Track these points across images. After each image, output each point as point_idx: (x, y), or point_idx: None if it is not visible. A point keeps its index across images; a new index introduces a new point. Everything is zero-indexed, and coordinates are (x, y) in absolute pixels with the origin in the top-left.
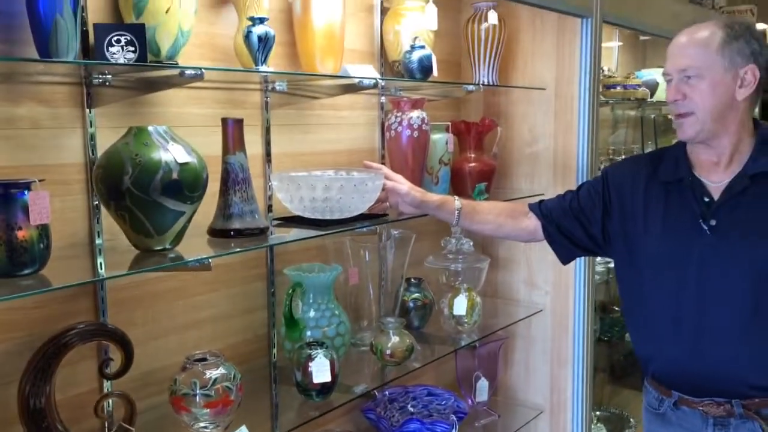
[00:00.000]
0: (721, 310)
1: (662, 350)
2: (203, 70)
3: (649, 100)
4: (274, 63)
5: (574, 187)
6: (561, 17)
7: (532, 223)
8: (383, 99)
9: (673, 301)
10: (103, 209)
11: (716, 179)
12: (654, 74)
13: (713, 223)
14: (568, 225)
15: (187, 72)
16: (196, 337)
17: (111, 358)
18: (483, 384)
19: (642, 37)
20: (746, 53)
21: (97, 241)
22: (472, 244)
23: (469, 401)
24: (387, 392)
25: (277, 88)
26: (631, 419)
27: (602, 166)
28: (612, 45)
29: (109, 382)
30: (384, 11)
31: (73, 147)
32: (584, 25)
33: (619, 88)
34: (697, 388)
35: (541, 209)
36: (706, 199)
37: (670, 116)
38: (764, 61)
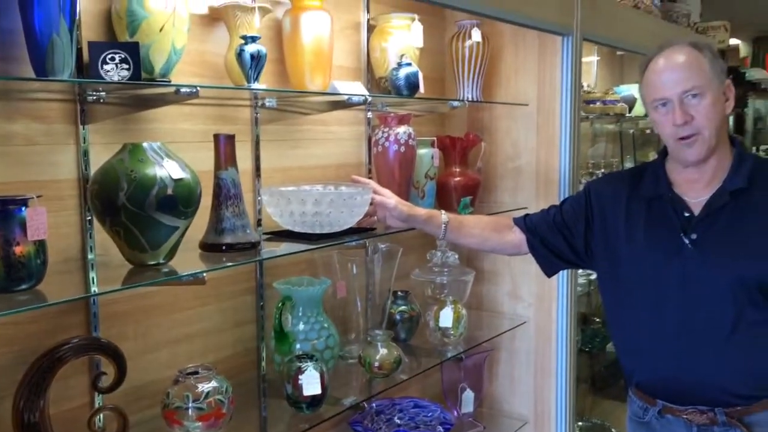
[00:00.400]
0: (704, 321)
1: (646, 361)
2: (198, 88)
3: (627, 115)
4: (263, 79)
5: (556, 201)
6: (542, 35)
7: (517, 236)
8: (370, 114)
9: (657, 313)
10: (96, 224)
11: (695, 196)
12: (632, 90)
13: (694, 236)
14: (552, 239)
15: (183, 90)
16: (186, 350)
17: (104, 372)
18: (468, 395)
19: (619, 52)
20: (724, 69)
21: (90, 256)
22: (457, 257)
23: (455, 413)
24: (374, 404)
25: (267, 104)
26: (613, 429)
27: (583, 180)
28: (591, 59)
29: (100, 396)
30: (371, 29)
31: (67, 163)
32: (565, 42)
33: (598, 104)
34: (681, 396)
35: (525, 223)
36: (687, 214)
37: (648, 131)
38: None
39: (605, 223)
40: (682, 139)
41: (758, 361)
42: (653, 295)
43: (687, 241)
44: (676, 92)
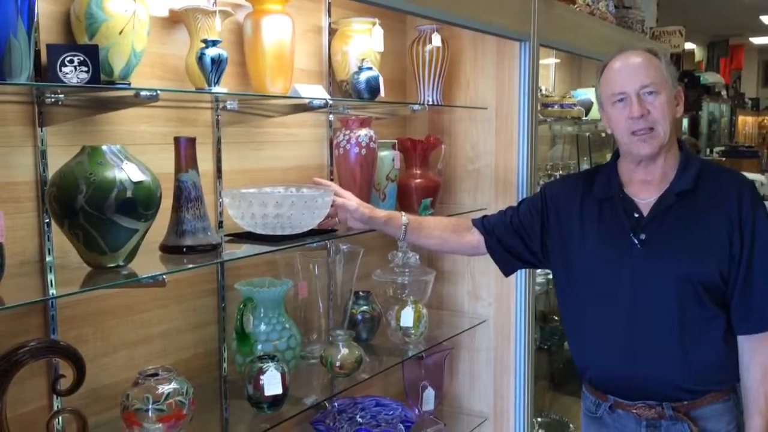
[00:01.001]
0: (652, 319)
1: (598, 357)
2: (158, 92)
3: (584, 118)
4: (225, 82)
5: (514, 202)
6: (501, 41)
7: (476, 237)
8: (332, 117)
9: (607, 311)
10: (54, 227)
11: (645, 196)
12: (589, 93)
13: (643, 237)
14: (510, 240)
15: (143, 93)
16: (146, 352)
17: (63, 374)
18: (429, 393)
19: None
20: (676, 76)
21: (48, 259)
22: (418, 257)
23: (416, 411)
24: (336, 403)
25: (228, 106)
26: (571, 425)
27: (541, 181)
28: (549, 62)
29: (59, 398)
30: (333, 32)
31: (25, 165)
32: (522, 48)
33: (556, 107)
34: (631, 392)
35: (483, 225)
36: (636, 215)
37: (603, 134)
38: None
39: (560, 224)
40: (636, 134)
41: (703, 358)
42: (605, 294)
43: (636, 241)
44: (633, 87)
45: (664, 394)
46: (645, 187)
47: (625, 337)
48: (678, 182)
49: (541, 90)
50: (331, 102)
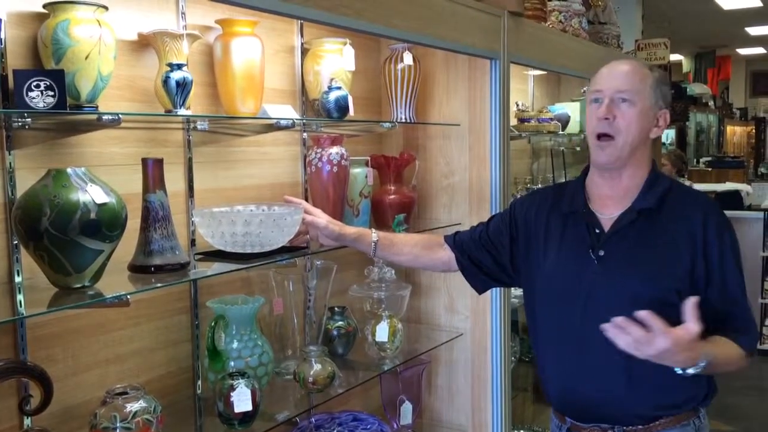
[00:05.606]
0: (602, 339)
1: (554, 377)
2: (120, 116)
3: (560, 132)
4: (196, 102)
5: (488, 215)
6: (472, 58)
7: (447, 254)
8: (305, 135)
9: (562, 329)
10: (22, 248)
11: (607, 213)
12: (566, 108)
13: (601, 253)
14: (480, 256)
15: (105, 117)
16: (118, 371)
17: (31, 394)
18: (407, 407)
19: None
20: (667, 99)
21: (17, 280)
22: (394, 272)
23: (395, 425)
24: (313, 419)
25: (199, 127)
26: None
27: (518, 194)
28: (530, 73)
29: (29, 418)
30: (305, 52)
31: None
32: (493, 66)
33: (533, 122)
34: (584, 414)
35: (454, 241)
36: (597, 231)
37: (578, 147)
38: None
39: (528, 239)
40: (601, 137)
41: (651, 382)
42: (561, 311)
43: (594, 258)
44: (610, 88)
45: (614, 417)
46: (608, 202)
47: (576, 357)
48: (641, 200)
49: (518, 105)
50: (298, 121)
